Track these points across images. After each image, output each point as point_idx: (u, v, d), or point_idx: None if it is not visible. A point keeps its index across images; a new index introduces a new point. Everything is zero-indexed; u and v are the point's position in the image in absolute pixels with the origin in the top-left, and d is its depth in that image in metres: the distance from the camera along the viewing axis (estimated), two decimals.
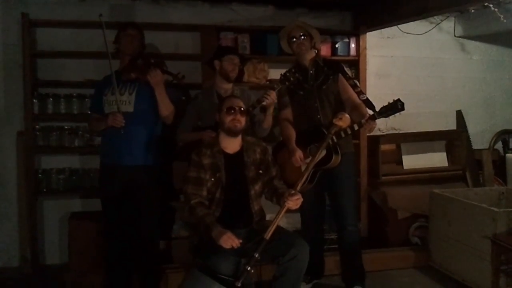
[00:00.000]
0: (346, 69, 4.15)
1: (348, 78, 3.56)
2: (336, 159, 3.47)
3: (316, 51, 3.75)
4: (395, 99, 3.26)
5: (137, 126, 3.37)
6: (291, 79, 3.51)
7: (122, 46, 3.48)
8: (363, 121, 3.33)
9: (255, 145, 3.27)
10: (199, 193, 3.07)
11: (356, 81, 3.59)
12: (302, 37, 3.59)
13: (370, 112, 3.36)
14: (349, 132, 3.41)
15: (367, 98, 3.42)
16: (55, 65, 4.44)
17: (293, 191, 2.93)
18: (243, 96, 3.69)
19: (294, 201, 2.91)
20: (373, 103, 3.38)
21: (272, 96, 3.46)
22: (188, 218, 3.17)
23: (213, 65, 3.76)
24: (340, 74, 3.61)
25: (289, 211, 2.97)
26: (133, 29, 3.52)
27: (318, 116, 3.59)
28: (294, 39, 3.61)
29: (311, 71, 3.66)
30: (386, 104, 3.26)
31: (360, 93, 3.47)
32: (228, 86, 3.75)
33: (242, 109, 3.14)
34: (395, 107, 3.24)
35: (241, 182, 3.16)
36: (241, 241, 2.86)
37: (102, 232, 3.66)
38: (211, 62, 3.77)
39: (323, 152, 3.33)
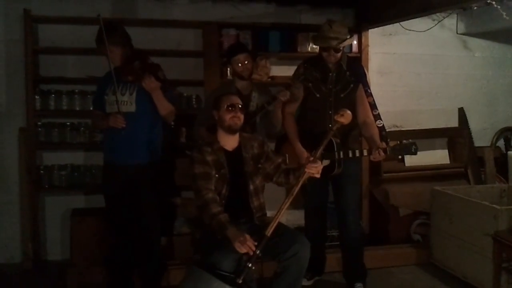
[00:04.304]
0: None
1: (368, 95, 3.49)
2: (337, 171, 3.51)
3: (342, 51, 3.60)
4: (411, 141, 3.27)
5: (138, 126, 3.36)
6: (308, 77, 3.52)
7: (107, 58, 3.32)
8: (374, 154, 3.32)
9: (252, 140, 3.27)
10: (210, 188, 3.02)
11: (375, 101, 3.49)
12: (337, 52, 3.48)
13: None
14: (358, 155, 3.44)
15: (383, 125, 3.41)
16: (57, 62, 4.45)
17: (312, 159, 2.92)
18: (261, 91, 3.76)
19: (315, 168, 2.91)
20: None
21: (288, 94, 3.49)
22: (197, 213, 3.14)
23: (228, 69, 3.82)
24: (360, 85, 3.55)
25: (290, 207, 2.96)
26: (110, 46, 3.27)
27: (330, 126, 3.48)
28: (328, 48, 3.48)
29: (333, 74, 3.58)
30: (401, 139, 3.35)
31: (378, 117, 3.43)
32: (246, 83, 3.75)
33: (241, 106, 3.15)
34: (409, 150, 3.27)
35: (241, 177, 3.16)
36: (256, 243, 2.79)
37: (103, 228, 3.67)
38: (225, 67, 3.81)
39: (326, 162, 3.36)
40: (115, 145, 3.40)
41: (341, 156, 3.43)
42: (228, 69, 3.78)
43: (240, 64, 3.67)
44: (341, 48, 3.50)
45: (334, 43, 3.43)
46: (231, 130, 3.12)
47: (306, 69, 3.63)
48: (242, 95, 3.67)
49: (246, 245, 2.72)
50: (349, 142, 3.62)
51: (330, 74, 3.58)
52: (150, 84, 3.26)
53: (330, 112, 3.55)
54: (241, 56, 3.69)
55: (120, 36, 3.39)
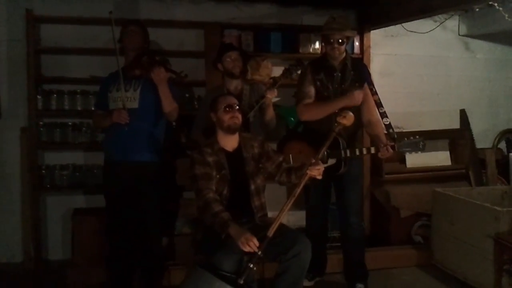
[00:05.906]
0: None
1: (373, 93, 3.49)
2: (343, 170, 3.53)
3: (346, 51, 3.63)
4: (418, 137, 3.29)
5: (141, 123, 3.38)
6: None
7: (125, 42, 3.49)
8: (382, 151, 3.33)
9: (252, 140, 3.29)
10: (211, 188, 3.02)
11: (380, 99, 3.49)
12: (341, 44, 3.50)
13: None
14: (365, 153, 3.47)
15: (390, 123, 3.41)
16: (59, 61, 4.45)
17: (314, 161, 2.93)
18: (253, 89, 3.79)
19: (317, 170, 2.92)
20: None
21: (276, 92, 3.53)
22: (198, 214, 3.13)
23: (218, 68, 3.83)
24: (365, 84, 3.55)
25: (291, 208, 2.95)
26: (134, 26, 3.54)
27: (336, 124, 3.47)
28: (332, 41, 3.50)
29: (338, 73, 3.59)
30: (408, 138, 3.32)
31: (384, 115, 3.43)
32: (236, 83, 3.78)
33: (238, 106, 3.16)
34: (417, 146, 3.29)
35: (242, 178, 3.17)
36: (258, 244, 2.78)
37: (104, 228, 3.67)
38: (216, 66, 3.82)
39: (332, 161, 3.40)
40: (117, 142, 3.41)
41: (348, 154, 3.44)
42: (218, 67, 3.79)
43: (230, 62, 3.71)
44: (344, 41, 3.52)
45: (337, 31, 3.48)
46: (231, 130, 3.13)
47: (312, 69, 3.63)
48: (234, 94, 3.69)
49: (251, 243, 2.72)
50: (355, 143, 3.63)
51: (335, 74, 3.59)
52: (160, 74, 3.28)
53: (336, 111, 3.55)
54: (232, 53, 3.74)
55: (142, 24, 3.62)
